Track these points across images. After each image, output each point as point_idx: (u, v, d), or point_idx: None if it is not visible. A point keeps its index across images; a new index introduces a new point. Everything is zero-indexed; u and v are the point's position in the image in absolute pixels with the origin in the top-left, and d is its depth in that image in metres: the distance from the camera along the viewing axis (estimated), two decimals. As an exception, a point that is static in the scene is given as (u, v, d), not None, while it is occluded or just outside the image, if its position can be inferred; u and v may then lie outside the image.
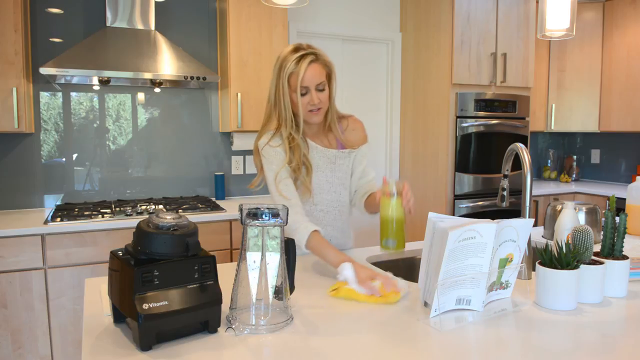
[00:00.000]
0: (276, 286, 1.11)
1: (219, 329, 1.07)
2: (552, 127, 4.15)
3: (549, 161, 4.61)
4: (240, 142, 3.16)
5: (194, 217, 2.57)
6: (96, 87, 2.95)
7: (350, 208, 1.86)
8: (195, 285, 1.04)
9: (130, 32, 2.76)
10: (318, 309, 1.22)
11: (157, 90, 3.09)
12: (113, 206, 2.80)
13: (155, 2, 2.94)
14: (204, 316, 1.04)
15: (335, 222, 1.78)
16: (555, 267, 1.21)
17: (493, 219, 1.23)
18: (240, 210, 1.11)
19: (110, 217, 2.53)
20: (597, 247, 1.39)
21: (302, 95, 1.56)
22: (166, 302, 0.98)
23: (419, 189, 3.67)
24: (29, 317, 2.34)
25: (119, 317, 1.10)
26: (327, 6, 3.52)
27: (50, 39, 2.81)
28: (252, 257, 1.09)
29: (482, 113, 3.42)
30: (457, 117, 3.34)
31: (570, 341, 1.04)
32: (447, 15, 3.30)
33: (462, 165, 3.39)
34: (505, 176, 1.62)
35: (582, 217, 1.94)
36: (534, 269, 1.46)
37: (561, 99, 4.13)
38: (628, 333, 1.09)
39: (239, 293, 1.11)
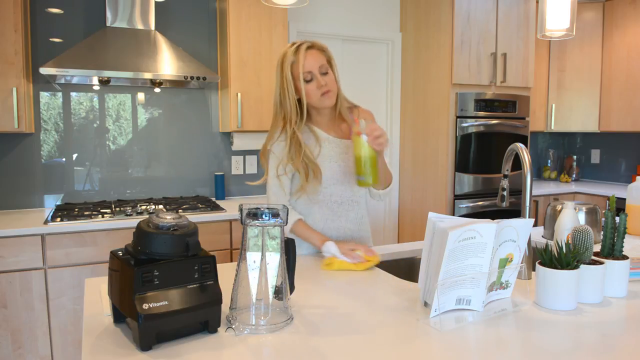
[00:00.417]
0: (276, 286, 1.11)
1: (219, 329, 1.07)
2: (552, 127, 4.15)
3: (549, 161, 4.61)
4: (240, 142, 3.16)
5: (194, 217, 2.57)
6: (96, 87, 2.95)
7: (367, 201, 1.85)
8: (195, 285, 1.04)
9: (130, 32, 2.76)
10: (318, 309, 1.22)
11: (157, 90, 3.09)
12: (113, 206, 2.80)
13: (155, 2, 2.94)
14: (204, 316, 1.04)
15: (349, 214, 1.77)
16: (555, 267, 1.21)
17: (493, 219, 1.23)
18: (240, 210, 1.11)
19: (110, 217, 2.53)
20: (597, 247, 1.39)
21: (308, 81, 1.60)
22: (166, 302, 0.98)
23: (419, 189, 3.67)
24: (29, 317, 2.34)
25: (119, 317, 1.10)
26: (327, 6, 3.52)
27: (50, 39, 2.81)
28: (252, 257, 1.09)
29: (482, 113, 3.42)
30: (457, 117, 3.34)
31: (570, 341, 1.04)
32: (447, 15, 3.30)
33: (462, 165, 3.39)
34: (505, 176, 1.62)
35: (582, 217, 1.94)
36: (534, 269, 1.46)
37: (561, 99, 4.13)
38: (628, 333, 1.09)
39: (239, 293, 1.11)
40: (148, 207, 2.76)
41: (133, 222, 2.48)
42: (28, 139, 2.82)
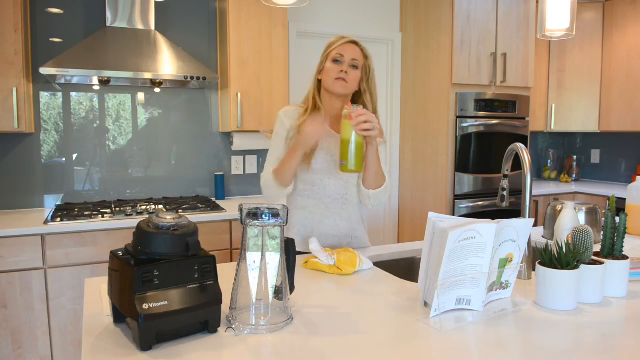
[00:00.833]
0: (276, 286, 1.11)
1: (219, 329, 1.07)
2: (552, 127, 4.15)
3: (549, 161, 4.61)
4: (240, 142, 3.16)
5: (194, 217, 2.57)
6: (96, 87, 2.95)
7: (361, 202, 1.84)
8: (195, 285, 1.04)
9: (130, 32, 2.76)
10: (318, 309, 1.22)
11: (157, 90, 3.09)
12: (113, 206, 2.80)
13: (155, 2, 2.94)
14: (204, 316, 1.04)
15: (342, 212, 1.77)
16: (555, 267, 1.21)
17: (493, 219, 1.23)
18: (240, 210, 1.11)
19: (110, 217, 2.53)
20: (597, 247, 1.39)
21: (335, 62, 1.67)
22: (166, 302, 0.98)
23: (419, 189, 3.67)
24: (29, 317, 2.34)
25: (119, 317, 1.10)
26: (327, 6, 3.52)
27: (50, 39, 2.81)
28: (252, 257, 1.09)
29: (482, 113, 3.42)
30: (457, 117, 3.34)
31: (570, 341, 1.04)
32: (447, 15, 3.30)
33: (462, 165, 3.39)
34: (505, 176, 1.62)
35: (582, 217, 1.94)
36: (534, 269, 1.46)
37: (561, 99, 4.13)
38: (628, 333, 1.09)
39: (239, 293, 1.11)
40: (148, 207, 2.76)
41: (133, 222, 2.48)
42: (28, 139, 2.82)
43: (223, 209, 2.78)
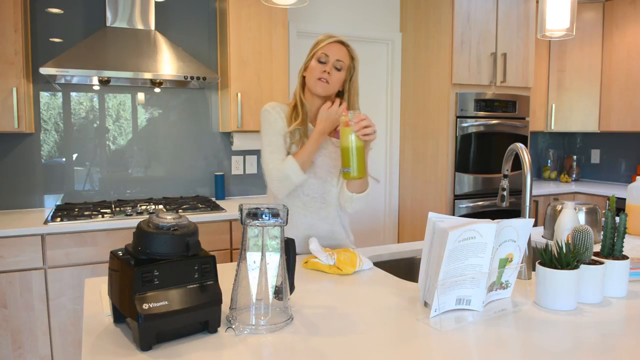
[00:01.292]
0: (276, 286, 1.11)
1: (219, 329, 1.07)
2: (552, 127, 4.15)
3: (549, 161, 4.61)
4: (240, 142, 3.16)
5: (194, 217, 2.57)
6: (96, 87, 2.96)
7: (339, 204, 1.81)
8: (195, 285, 1.04)
9: (130, 32, 2.76)
10: (318, 309, 1.22)
11: (157, 90, 3.09)
12: (113, 206, 2.80)
13: (155, 2, 2.94)
14: (204, 316, 1.04)
15: (320, 212, 1.75)
16: (555, 267, 1.21)
17: (493, 219, 1.23)
18: (240, 210, 1.11)
19: (110, 217, 2.53)
20: (597, 247, 1.39)
21: (320, 62, 1.65)
22: (166, 302, 0.98)
23: (419, 189, 3.67)
24: (29, 317, 2.34)
25: (119, 317, 1.10)
26: (327, 6, 3.52)
27: (50, 39, 2.81)
28: (252, 257, 1.09)
29: (482, 113, 3.42)
30: (457, 117, 3.34)
31: (570, 341, 1.04)
32: (447, 15, 3.30)
33: (462, 165, 3.39)
34: (505, 176, 1.62)
35: (582, 217, 1.94)
36: (534, 269, 1.46)
37: (561, 99, 4.13)
38: (628, 333, 1.09)
39: (239, 293, 1.11)
40: (148, 207, 2.76)
41: (133, 222, 2.48)
42: (28, 139, 2.82)
43: (223, 209, 2.78)
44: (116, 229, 2.46)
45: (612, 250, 1.35)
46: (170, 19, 3.06)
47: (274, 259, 1.10)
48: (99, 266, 2.43)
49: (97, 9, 2.86)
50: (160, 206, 2.83)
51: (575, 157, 4.53)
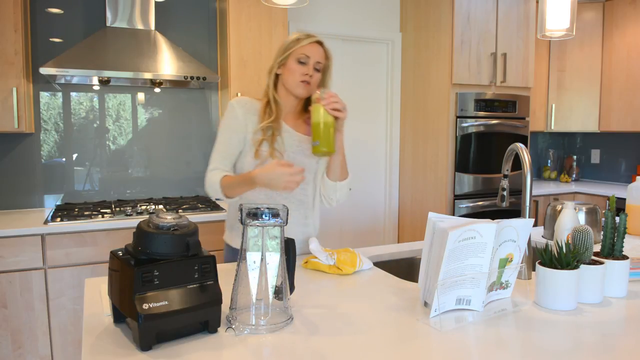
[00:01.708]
0: (276, 286, 1.11)
1: (219, 329, 1.07)
2: (552, 127, 4.15)
3: (549, 161, 4.61)
4: (240, 142, 3.16)
5: (194, 217, 2.57)
6: (96, 87, 2.95)
7: (315, 204, 1.79)
8: (195, 285, 1.04)
9: (130, 32, 2.76)
10: (318, 309, 1.22)
11: (157, 90, 3.09)
12: (113, 206, 2.80)
13: (155, 2, 2.94)
14: (204, 316, 1.04)
15: (293, 213, 1.68)
16: (555, 267, 1.21)
17: (493, 219, 1.23)
18: (240, 210, 1.11)
19: (110, 217, 2.53)
20: (597, 247, 1.39)
21: (300, 62, 1.61)
22: (166, 302, 0.98)
23: (419, 189, 3.67)
24: (29, 317, 2.34)
25: (119, 317, 1.10)
26: (327, 6, 3.52)
27: (50, 39, 2.81)
28: (252, 257, 1.09)
29: (482, 113, 3.42)
30: (457, 117, 3.34)
31: (570, 341, 1.04)
32: (447, 15, 3.30)
33: (462, 165, 3.39)
34: (505, 176, 1.62)
35: (582, 217, 1.94)
36: (534, 269, 1.46)
37: (561, 99, 4.13)
38: (628, 333, 1.09)
39: (239, 293, 1.11)
40: (148, 207, 2.76)
41: (133, 222, 2.48)
42: (28, 139, 2.82)
43: (223, 209, 2.78)
44: (116, 229, 2.46)
45: (612, 250, 1.35)
46: (170, 19, 3.06)
47: (274, 259, 1.10)
48: (99, 266, 2.43)
49: (97, 9, 2.86)
50: (160, 206, 2.83)
51: (575, 157, 4.53)
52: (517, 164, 1.64)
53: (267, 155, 1.61)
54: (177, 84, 3.04)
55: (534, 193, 3.78)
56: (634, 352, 1.00)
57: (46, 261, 2.35)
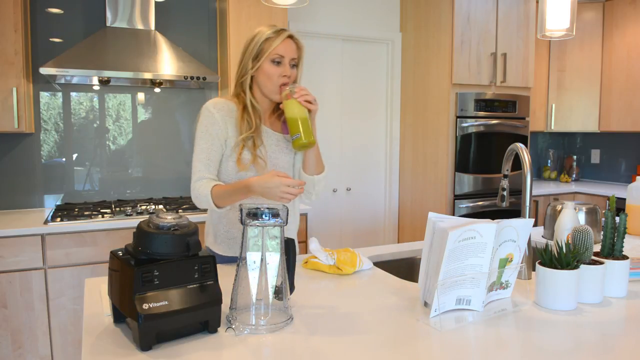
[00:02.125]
0: (276, 286, 1.11)
1: (219, 329, 1.07)
2: (552, 127, 4.15)
3: (549, 161, 4.61)
4: (240, 142, 3.16)
5: (194, 217, 2.56)
6: (96, 87, 2.96)
7: (295, 201, 1.72)
8: (195, 285, 1.04)
9: (130, 32, 2.76)
10: (318, 309, 1.22)
11: (157, 90, 3.09)
12: (113, 206, 2.80)
13: (155, 2, 2.94)
14: (204, 316, 1.04)
15: None
16: (555, 267, 1.21)
17: (493, 219, 1.23)
18: (240, 210, 1.11)
19: (110, 217, 2.53)
20: (597, 247, 1.39)
21: (276, 63, 1.54)
22: (166, 302, 0.98)
23: (418, 189, 3.67)
24: (29, 317, 2.34)
25: (119, 317, 1.10)
26: (327, 6, 3.52)
27: (50, 39, 2.81)
28: (252, 257, 1.09)
29: (482, 113, 3.42)
30: (457, 117, 3.34)
31: (570, 341, 1.04)
32: (447, 15, 3.30)
33: (462, 165, 3.39)
34: (505, 176, 1.62)
35: (582, 217, 1.94)
36: (534, 269, 1.46)
37: (561, 99, 4.13)
38: (628, 333, 1.09)
39: (239, 293, 1.11)
40: (148, 207, 2.76)
41: (133, 222, 2.48)
42: (28, 139, 2.82)
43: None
44: (116, 229, 2.46)
45: (612, 250, 1.35)
46: (170, 19, 3.06)
47: (274, 259, 1.10)
48: (99, 266, 2.43)
49: (97, 9, 2.86)
50: (160, 206, 2.83)
51: (575, 157, 4.53)
52: (517, 164, 1.64)
53: (250, 162, 1.55)
54: (177, 84, 3.04)
55: (534, 193, 3.79)
56: (634, 352, 1.00)
57: (46, 261, 2.35)
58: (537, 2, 3.48)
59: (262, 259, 1.09)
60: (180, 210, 2.73)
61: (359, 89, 3.73)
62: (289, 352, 0.99)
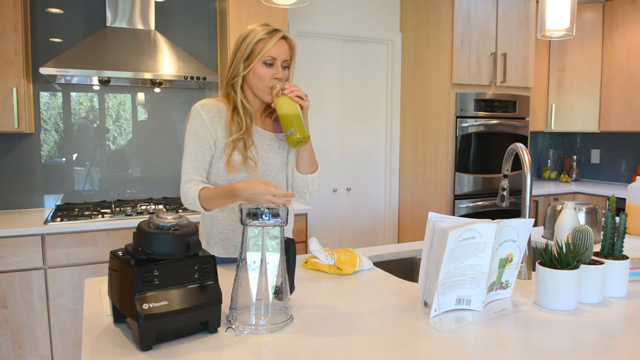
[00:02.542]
0: (276, 286, 1.11)
1: (219, 329, 1.07)
2: (552, 127, 4.15)
3: (549, 161, 4.61)
4: (240, 142, 3.16)
5: (194, 217, 2.56)
6: (96, 87, 2.96)
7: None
8: (195, 285, 1.04)
9: (130, 32, 2.76)
10: (318, 309, 1.22)
11: (157, 90, 3.09)
12: (113, 206, 2.80)
13: (155, 2, 2.94)
14: (204, 316, 1.04)
15: None
16: (555, 267, 1.21)
17: (493, 219, 1.23)
18: (240, 210, 1.11)
19: (110, 217, 2.53)
20: (597, 247, 1.39)
21: (268, 65, 1.52)
22: (166, 302, 0.98)
23: (418, 189, 3.67)
24: (29, 317, 2.34)
25: (119, 317, 1.10)
26: (327, 6, 3.52)
27: (50, 39, 2.81)
28: (252, 257, 1.09)
29: (482, 113, 3.42)
30: (457, 117, 3.34)
31: (570, 341, 1.04)
32: (447, 15, 3.30)
33: (462, 165, 3.39)
34: (505, 176, 1.62)
35: (582, 217, 1.94)
36: (534, 269, 1.46)
37: (561, 99, 4.13)
38: (628, 333, 1.09)
39: (239, 293, 1.11)
40: (148, 207, 2.76)
41: (133, 222, 2.48)
42: (28, 139, 2.82)
43: (223, 209, 2.78)
44: (116, 229, 2.46)
45: (612, 250, 1.35)
46: (170, 19, 3.06)
47: (274, 259, 1.10)
48: (99, 266, 2.43)
49: (97, 9, 2.86)
50: (160, 206, 2.83)
51: (575, 157, 4.53)
52: (517, 164, 1.64)
53: (240, 164, 1.54)
54: (177, 84, 3.04)
55: (534, 193, 3.79)
56: (634, 352, 1.00)
57: (46, 261, 2.35)
58: (537, 2, 3.48)
59: (262, 259, 1.09)
60: (180, 210, 2.73)
61: (359, 89, 3.73)
62: (289, 352, 0.99)
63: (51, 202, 2.90)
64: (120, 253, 1.06)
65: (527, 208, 1.45)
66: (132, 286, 0.97)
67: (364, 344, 1.02)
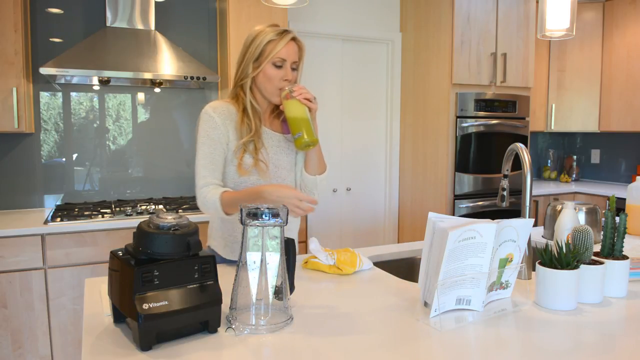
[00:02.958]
0: (276, 286, 1.11)
1: (219, 329, 1.07)
2: (552, 127, 4.15)
3: (549, 161, 4.61)
4: (240, 142, 3.16)
5: (194, 217, 2.56)
6: (96, 87, 2.96)
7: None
8: (195, 285, 1.04)
9: (130, 32, 2.76)
10: (318, 309, 1.22)
11: (157, 90, 3.09)
12: (113, 206, 2.80)
13: (155, 2, 2.94)
14: (204, 316, 1.04)
15: None
16: (555, 267, 1.21)
17: (493, 219, 1.23)
18: (240, 210, 1.11)
19: (110, 217, 2.53)
20: (597, 247, 1.39)
21: (277, 66, 1.52)
22: (166, 302, 0.98)
23: (418, 189, 3.67)
24: (29, 317, 2.34)
25: (119, 317, 1.10)
26: (327, 6, 3.52)
27: (50, 39, 2.81)
28: (252, 257, 1.09)
29: (482, 113, 3.42)
30: (457, 117, 3.34)
31: (570, 341, 1.04)
32: (447, 15, 3.30)
33: (462, 165, 3.39)
34: (505, 176, 1.62)
35: (582, 217, 1.94)
36: (534, 269, 1.46)
37: (561, 99, 4.13)
38: (628, 333, 1.09)
39: (239, 293, 1.11)
40: (148, 207, 2.76)
41: (133, 222, 2.48)
42: (28, 139, 2.82)
43: (223, 209, 2.78)
44: (116, 229, 2.46)
45: (612, 250, 1.35)
46: (170, 19, 3.06)
47: (274, 259, 1.10)
48: (99, 266, 2.43)
49: (97, 9, 2.86)
50: (160, 206, 2.83)
51: (575, 157, 4.53)
52: (517, 164, 1.64)
53: (252, 166, 1.54)
54: (177, 84, 3.04)
55: (534, 193, 3.79)
56: (634, 352, 1.00)
57: (46, 261, 2.35)
58: (537, 2, 3.48)
59: (262, 259, 1.09)
60: (180, 210, 2.73)
61: (359, 89, 3.73)
62: (289, 352, 0.99)
63: (51, 202, 2.90)
64: (120, 253, 1.06)
65: (527, 208, 1.45)
66: (132, 286, 0.97)
67: (364, 344, 1.02)
